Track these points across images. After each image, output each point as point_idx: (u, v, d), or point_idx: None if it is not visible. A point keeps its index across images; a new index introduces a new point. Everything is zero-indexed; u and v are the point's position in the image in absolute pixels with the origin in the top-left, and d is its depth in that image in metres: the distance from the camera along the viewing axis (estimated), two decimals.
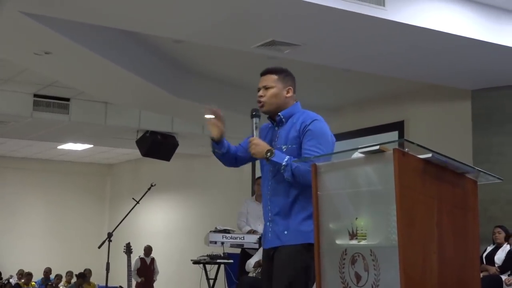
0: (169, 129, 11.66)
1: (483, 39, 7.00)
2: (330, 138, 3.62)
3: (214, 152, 3.89)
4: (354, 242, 2.95)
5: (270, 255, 3.62)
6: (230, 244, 8.42)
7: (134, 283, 12.32)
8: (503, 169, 8.51)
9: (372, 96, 10.42)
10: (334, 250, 3.03)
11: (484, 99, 8.81)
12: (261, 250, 8.17)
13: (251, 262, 8.10)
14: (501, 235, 8.17)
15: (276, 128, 3.72)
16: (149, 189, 8.04)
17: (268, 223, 3.64)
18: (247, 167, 13.16)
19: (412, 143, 2.83)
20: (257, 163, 13.34)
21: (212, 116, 3.80)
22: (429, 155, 2.81)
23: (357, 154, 3.02)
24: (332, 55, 7.64)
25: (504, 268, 7.93)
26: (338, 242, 3.03)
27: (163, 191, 14.22)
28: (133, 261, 12.21)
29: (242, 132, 12.14)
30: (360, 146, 2.95)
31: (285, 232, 3.53)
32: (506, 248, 8.03)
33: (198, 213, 14.28)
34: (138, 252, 9.57)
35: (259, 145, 3.57)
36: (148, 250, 12.73)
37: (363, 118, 10.65)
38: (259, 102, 3.72)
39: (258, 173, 11.99)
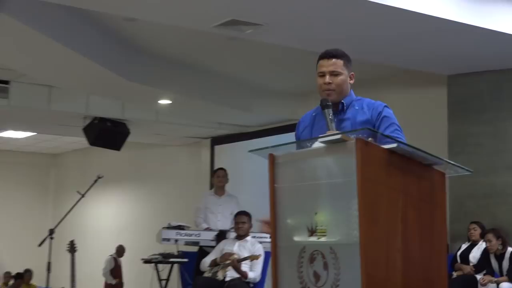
0: (119, 115, 11.59)
1: (461, 20, 7.07)
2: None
3: None
4: (313, 239, 2.98)
5: None
6: (185, 241, 8.44)
7: (103, 284, 12.30)
8: (480, 161, 8.66)
9: None
10: (292, 247, 3.06)
11: (461, 85, 8.93)
12: (218, 248, 8.26)
13: (207, 260, 8.13)
14: (476, 232, 8.30)
15: (333, 115, 3.61)
16: (95, 181, 7.99)
17: None
18: (206, 156, 13.19)
19: (376, 131, 2.87)
20: (218, 150, 13.28)
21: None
22: (394, 145, 2.85)
23: (317, 144, 3.05)
24: (299, 37, 7.66)
25: (479, 267, 8.07)
26: (296, 239, 3.06)
27: (112, 183, 14.16)
28: (103, 261, 12.20)
29: (202, 120, 12.20)
30: (320, 135, 2.98)
31: None
32: (481, 246, 8.17)
33: (151, 208, 14.26)
34: (83, 251, 9.51)
35: None
36: (121, 249, 12.69)
37: None
38: (327, 90, 3.63)
39: (217, 165, 12.02)
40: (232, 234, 8.43)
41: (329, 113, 3.49)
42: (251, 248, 8.07)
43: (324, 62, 3.67)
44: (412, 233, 2.89)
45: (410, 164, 2.94)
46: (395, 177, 2.88)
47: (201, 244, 8.64)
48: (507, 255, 7.90)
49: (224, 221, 9.02)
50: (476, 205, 8.76)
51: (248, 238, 8.21)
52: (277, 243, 3.15)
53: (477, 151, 8.75)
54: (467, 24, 7.14)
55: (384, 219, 2.82)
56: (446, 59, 8.44)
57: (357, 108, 3.61)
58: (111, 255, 12.56)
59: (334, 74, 3.63)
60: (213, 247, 8.37)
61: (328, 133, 3.35)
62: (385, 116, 3.52)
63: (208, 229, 8.74)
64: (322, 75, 3.65)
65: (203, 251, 8.58)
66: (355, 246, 2.77)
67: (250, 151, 3.32)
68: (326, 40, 7.71)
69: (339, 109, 3.63)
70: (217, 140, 13.16)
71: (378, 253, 2.79)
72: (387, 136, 3.01)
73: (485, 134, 8.78)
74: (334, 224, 2.91)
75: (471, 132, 8.77)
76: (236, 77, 10.62)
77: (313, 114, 3.76)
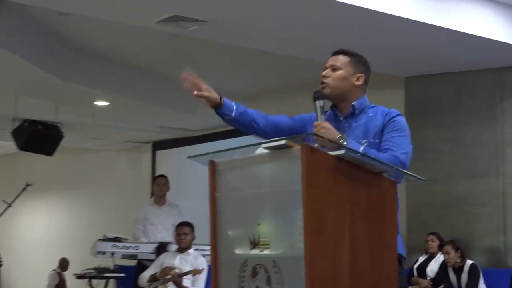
0: (52, 118, 11.48)
1: (419, 19, 7.18)
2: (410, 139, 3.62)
3: (225, 121, 3.83)
4: (255, 251, 2.99)
5: None
6: (122, 254, 8.39)
7: None
8: (438, 168, 8.80)
9: (293, 82, 10.55)
10: (233, 261, 3.07)
11: (418, 88, 9.07)
12: (158, 261, 8.22)
13: (145, 275, 8.10)
14: (434, 244, 8.42)
15: (342, 119, 3.68)
16: (23, 189, 7.92)
17: None
18: (147, 162, 13.13)
19: (322, 137, 2.90)
20: (160, 156, 13.26)
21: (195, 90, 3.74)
22: (342, 151, 2.89)
23: (261, 150, 3.07)
24: (246, 35, 7.69)
25: (437, 281, 8.20)
26: (237, 251, 3.07)
27: (44, 192, 14.01)
28: (46, 276, 12.03)
29: (143, 123, 12.14)
30: (264, 141, 3.00)
31: None
32: (439, 258, 8.29)
33: (86, 218, 14.14)
34: (11, 265, 9.39)
35: (331, 130, 3.44)
36: (64, 263, 12.55)
37: (283, 107, 10.74)
38: (322, 83, 3.69)
39: (159, 171, 11.98)
40: (173, 247, 8.41)
41: (320, 104, 3.56)
42: (194, 262, 8.05)
43: (330, 58, 3.76)
44: (360, 245, 2.92)
45: (358, 171, 2.97)
46: (343, 185, 2.91)
47: (140, 257, 8.59)
48: (466, 268, 8.03)
49: (165, 233, 9.00)
50: (434, 215, 8.89)
51: (191, 251, 8.20)
52: (218, 256, 3.15)
53: (435, 157, 8.89)
54: (426, 23, 7.25)
55: (330, 230, 2.84)
56: (404, 60, 8.56)
57: (371, 115, 3.64)
58: (54, 270, 12.42)
59: (333, 68, 3.69)
60: (152, 260, 8.33)
61: (318, 123, 3.46)
62: (395, 121, 3.57)
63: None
64: (324, 69, 3.73)
65: (142, 265, 8.54)
66: (299, 259, 2.78)
67: (189, 157, 3.33)
68: (275, 39, 7.79)
69: (349, 112, 3.66)
70: (159, 145, 13.13)
71: (324, 267, 2.81)
72: (336, 143, 3.03)
73: (443, 139, 8.93)
74: (278, 235, 2.93)
75: (428, 137, 8.91)
76: (179, 77, 10.58)
77: (327, 116, 3.72)
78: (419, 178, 3.13)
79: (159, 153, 13.15)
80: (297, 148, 2.85)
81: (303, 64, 9.19)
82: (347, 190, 2.92)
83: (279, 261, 2.89)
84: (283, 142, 2.89)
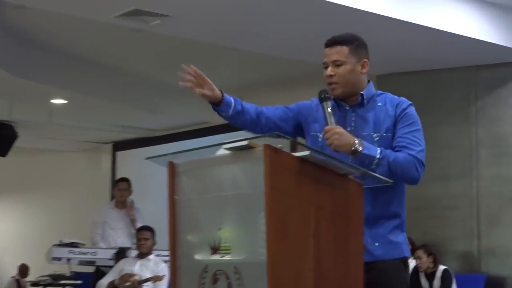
0: (5, 116, 11.40)
1: (391, 15, 7.22)
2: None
3: (224, 118, 3.70)
4: (216, 257, 2.99)
5: None
6: (79, 261, 8.34)
7: None
8: None
9: (259, 80, 10.56)
10: (192, 267, 3.07)
11: (390, 86, 9.09)
12: (116, 268, 8.19)
13: (104, 282, 8.06)
14: None
15: (349, 108, 3.58)
16: None
17: None
18: (106, 164, 13.08)
19: (286, 137, 2.90)
20: (120, 157, 13.23)
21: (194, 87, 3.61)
22: (306, 152, 2.89)
23: (222, 151, 3.07)
24: (210, 30, 7.69)
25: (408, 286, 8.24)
26: (197, 257, 3.06)
27: None
28: (3, 283, 11.91)
29: (102, 122, 12.06)
30: (225, 141, 3.00)
31: (376, 244, 3.42)
32: (411, 263, 8.33)
33: (42, 223, 14.05)
34: None
35: (344, 135, 3.33)
36: (24, 269, 12.44)
37: None
38: (330, 84, 3.54)
39: (119, 173, 11.94)
40: (133, 252, 8.38)
41: (328, 106, 3.44)
42: (155, 268, 8.03)
43: (327, 51, 3.60)
44: (325, 250, 2.93)
45: (324, 173, 2.97)
46: (307, 188, 2.91)
47: (98, 263, 8.55)
48: (438, 274, 8.10)
49: (125, 238, 8.96)
50: (406, 219, 8.93)
51: (151, 256, 8.17)
52: (177, 262, 3.15)
53: None
54: (398, 20, 7.30)
55: (294, 234, 2.85)
56: (375, 58, 8.49)
57: (380, 104, 3.57)
58: (12, 277, 12.32)
59: (336, 64, 3.54)
60: (111, 267, 8.30)
61: (329, 128, 3.34)
62: (407, 113, 3.53)
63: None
64: (325, 66, 3.59)
65: (100, 272, 8.50)
66: (262, 265, 2.78)
67: (148, 158, 3.32)
68: (241, 34, 7.79)
69: (357, 102, 3.57)
70: (119, 145, 13.08)
71: (287, 273, 2.81)
72: (301, 145, 3.04)
73: None
74: (240, 240, 2.93)
75: None
76: (141, 74, 10.57)
77: (310, 105, 3.68)
78: (386, 180, 3.15)
79: (119, 154, 13.10)
80: (260, 149, 2.85)
81: (269, 61, 9.20)
82: (312, 193, 2.93)
83: (240, 267, 2.89)
84: (245, 142, 2.89)
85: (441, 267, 8.17)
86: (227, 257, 2.95)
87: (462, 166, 8.91)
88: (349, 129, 3.48)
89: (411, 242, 8.48)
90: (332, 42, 3.59)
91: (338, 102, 3.58)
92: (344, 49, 3.55)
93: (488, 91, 8.89)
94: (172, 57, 9.61)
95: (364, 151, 3.32)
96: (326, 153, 3.05)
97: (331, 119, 3.40)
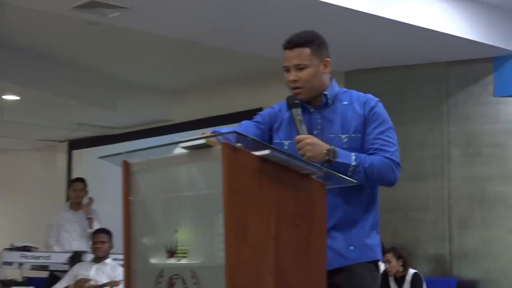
0: None
1: (359, 9, 7.24)
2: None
3: None
4: (172, 261, 2.98)
5: (328, 277, 3.28)
6: (31, 265, 8.29)
7: None
8: None
9: (224, 77, 10.57)
10: (148, 271, 3.06)
11: (359, 83, 9.15)
12: (71, 272, 8.15)
13: None
14: None
15: (313, 111, 3.56)
16: None
17: None
18: (62, 163, 13.00)
19: (246, 136, 2.90)
20: (77, 156, 13.05)
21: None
22: (267, 151, 2.90)
23: (180, 150, 3.07)
24: (172, 23, 7.67)
25: None
26: (153, 261, 3.05)
27: None
28: None
29: (58, 120, 11.97)
30: (182, 139, 2.99)
31: (351, 248, 3.45)
32: (380, 267, 8.39)
33: None
34: None
35: (317, 145, 3.33)
36: None
37: (214, 104, 10.80)
38: (295, 88, 3.52)
39: (75, 173, 11.87)
40: (89, 256, 8.34)
41: (298, 112, 3.44)
42: (111, 273, 8.00)
43: (287, 53, 3.56)
44: (286, 254, 2.94)
45: (285, 173, 2.97)
46: (268, 189, 2.91)
47: (52, 268, 8.51)
48: (408, 277, 8.15)
49: (81, 241, 8.93)
50: None
51: (108, 260, 8.14)
52: (131, 266, 3.14)
53: None
54: (367, 13, 7.32)
55: (254, 237, 2.85)
56: (343, 53, 8.63)
57: (345, 103, 3.55)
58: None
59: (299, 68, 3.52)
60: (65, 271, 8.26)
61: (301, 138, 3.34)
62: (376, 112, 3.52)
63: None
64: (286, 70, 3.56)
65: (54, 277, 8.46)
66: (220, 269, 2.78)
67: (101, 157, 3.30)
68: (202, 28, 7.78)
69: (322, 103, 3.55)
70: (75, 144, 13.01)
71: (246, 277, 2.81)
72: (262, 143, 3.03)
73: None
74: (197, 243, 2.92)
75: None
76: (99, 70, 10.53)
77: (279, 110, 3.65)
78: (350, 181, 3.17)
79: (75, 152, 13.02)
80: (218, 147, 2.85)
81: (234, 56, 9.21)
82: (273, 193, 2.93)
83: (198, 271, 2.89)
84: (202, 141, 2.89)
85: (411, 271, 8.22)
86: (183, 261, 2.94)
87: (433, 166, 8.98)
88: (315, 132, 3.48)
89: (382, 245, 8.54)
90: (293, 45, 3.55)
91: (303, 106, 3.56)
92: (306, 51, 3.53)
93: (460, 88, 8.96)
94: (132, 52, 9.60)
95: (339, 160, 3.34)
96: (287, 152, 3.06)
97: (302, 127, 3.41)
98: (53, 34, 8.99)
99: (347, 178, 3.20)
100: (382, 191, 9.12)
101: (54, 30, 8.79)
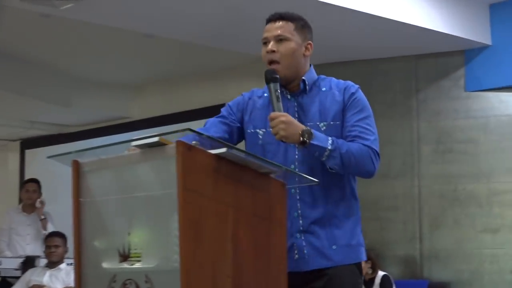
0: None
1: (325, 1, 7.24)
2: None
3: None
4: (125, 265, 2.98)
5: (308, 280, 3.35)
6: None
7: None
8: None
9: (184, 71, 10.56)
10: (100, 276, 3.05)
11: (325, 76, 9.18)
12: (23, 278, 8.10)
13: None
14: None
15: (291, 99, 3.50)
16: None
17: (298, 235, 3.38)
18: (14, 163, 12.91)
19: (200, 134, 2.91)
20: (30, 156, 12.91)
21: None
22: (223, 149, 2.90)
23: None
24: (127, 15, 7.64)
25: None
26: (105, 265, 3.05)
27: None
28: None
29: (9, 117, 11.90)
30: (135, 138, 2.99)
31: (334, 247, 3.39)
32: None
33: None
34: None
35: (292, 125, 3.27)
36: None
37: (173, 101, 10.78)
38: (271, 61, 3.44)
39: (28, 174, 11.80)
40: (43, 261, 8.30)
41: (276, 88, 3.35)
42: (66, 279, 7.97)
43: (269, 26, 3.50)
44: (244, 256, 2.94)
45: (243, 172, 2.98)
46: (225, 188, 2.92)
47: (3, 274, 8.47)
48: (377, 280, 8.19)
49: (35, 245, 8.88)
50: None
51: (62, 265, 8.11)
52: (82, 271, 3.13)
53: None
54: (331, 4, 7.32)
55: (210, 239, 2.85)
56: None
57: (324, 89, 3.51)
58: None
59: (280, 39, 3.45)
60: (18, 277, 8.22)
61: (274, 115, 3.27)
62: (356, 98, 3.47)
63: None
64: (266, 41, 3.48)
65: (6, 283, 8.42)
66: (175, 273, 2.78)
67: (49, 157, 3.29)
68: (163, 22, 7.78)
69: (300, 89, 3.49)
70: (28, 143, 12.93)
71: (203, 281, 2.82)
72: (218, 141, 3.03)
73: None
74: (151, 246, 2.92)
75: None
76: (52, 65, 10.47)
77: (264, 95, 3.58)
78: (311, 180, 3.17)
79: (28, 152, 12.95)
80: (172, 146, 2.85)
81: (194, 50, 9.20)
82: (230, 194, 2.93)
83: (152, 275, 2.89)
84: (155, 139, 2.89)
85: (380, 273, 8.26)
86: (137, 265, 2.94)
87: (402, 163, 9.03)
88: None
89: None
90: (277, 17, 3.51)
91: (281, 90, 3.48)
92: (290, 25, 3.49)
93: (430, 83, 9.02)
94: (86, 46, 9.56)
95: (314, 142, 3.27)
96: (246, 151, 3.06)
97: (279, 104, 3.33)
98: (2, 27, 8.92)
99: (308, 177, 3.19)
100: None
101: (3, 22, 8.72)
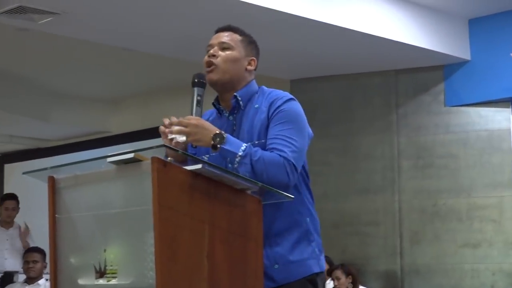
0: None
1: (303, 15, 7.26)
2: (307, 130, 3.45)
3: None
4: (101, 281, 2.99)
5: None
6: None
7: None
8: (327, 182, 8.98)
9: (162, 85, 10.56)
10: None
11: (304, 92, 9.22)
12: None
13: None
14: None
15: (229, 117, 3.48)
16: None
17: None
18: None
19: (176, 150, 2.92)
20: (8, 171, 12.83)
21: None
22: (199, 166, 2.92)
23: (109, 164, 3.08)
24: (105, 30, 7.65)
25: None
26: (81, 282, 3.06)
27: None
28: None
29: None
30: (111, 154, 3.00)
31: (276, 266, 3.31)
32: (328, 285, 8.43)
33: None
34: None
35: (204, 129, 3.22)
36: None
37: (151, 115, 10.77)
38: (210, 64, 3.45)
39: (7, 189, 11.76)
40: (22, 277, 8.29)
41: (199, 92, 3.36)
42: None
43: (216, 35, 3.55)
44: (221, 273, 2.95)
45: (218, 189, 2.99)
46: (200, 205, 2.93)
47: None
48: None
49: (14, 260, 8.86)
50: (323, 236, 9.01)
51: (41, 281, 8.10)
52: (59, 287, 3.14)
53: (323, 171, 9.05)
54: (311, 19, 7.35)
55: (186, 256, 2.86)
56: (288, 61, 8.69)
57: (256, 106, 3.45)
58: None
59: (223, 47, 3.48)
60: None
61: (187, 118, 3.24)
62: (281, 111, 3.38)
63: None
64: (209, 49, 3.51)
65: None
66: None
67: (25, 173, 3.30)
68: (137, 35, 7.78)
69: (232, 106, 3.47)
70: (7, 158, 12.90)
71: None
72: (192, 157, 3.05)
73: (333, 150, 9.11)
74: (127, 262, 2.93)
75: (316, 148, 9.04)
76: (31, 79, 10.45)
77: (209, 118, 3.54)
78: (287, 196, 3.18)
79: (7, 166, 12.92)
80: (147, 162, 2.87)
81: (172, 64, 9.21)
82: (205, 210, 2.95)
83: None
84: (131, 155, 2.90)
85: None
86: (113, 281, 2.95)
87: (382, 178, 9.06)
88: None
89: (329, 261, 8.58)
90: (226, 28, 3.56)
91: (218, 108, 3.52)
92: (236, 36, 3.53)
93: (410, 97, 9.06)
94: (65, 60, 9.56)
95: (225, 146, 3.21)
96: (222, 167, 3.06)
97: (198, 109, 3.33)
98: None
99: (283, 193, 3.18)
100: (330, 205, 9.19)
101: None
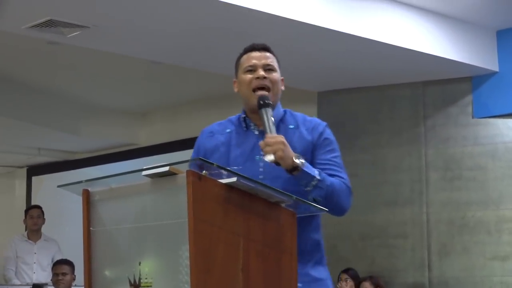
0: None
1: (331, 27, 7.24)
2: None
3: None
4: None
5: None
6: None
7: None
8: (355, 195, 8.88)
9: (190, 98, 10.58)
10: None
11: (332, 104, 9.22)
12: None
13: None
14: (348, 284, 8.50)
15: (258, 133, 3.50)
16: None
17: None
18: (21, 190, 12.93)
19: (211, 163, 2.92)
20: (36, 183, 12.92)
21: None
22: (234, 179, 2.92)
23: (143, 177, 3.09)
24: (135, 43, 7.68)
25: None
26: None
27: None
28: None
29: (16, 144, 11.90)
30: (146, 167, 3.01)
31: (299, 285, 3.22)
32: None
33: None
34: None
35: (288, 147, 3.25)
36: None
37: (180, 127, 10.80)
38: (263, 88, 3.45)
39: (35, 200, 11.82)
40: None
41: (269, 113, 3.35)
42: None
43: (255, 54, 3.53)
44: (255, 286, 2.95)
45: (253, 202, 2.99)
46: (235, 218, 2.93)
47: None
48: None
49: (42, 273, 8.89)
50: (351, 248, 9.03)
51: None
52: None
53: (352, 184, 8.98)
54: (340, 32, 7.34)
55: (221, 268, 2.87)
56: (315, 73, 8.68)
57: (291, 127, 3.52)
58: None
59: (268, 68, 3.49)
60: None
61: (272, 137, 3.26)
62: (328, 138, 3.50)
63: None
64: (252, 69, 3.50)
65: None
66: None
67: (60, 186, 3.32)
68: (166, 48, 7.81)
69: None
70: (35, 170, 12.95)
71: None
72: (228, 171, 3.04)
73: (361, 162, 9.08)
74: (162, 275, 2.94)
75: (344, 160, 9.01)
76: (60, 92, 10.51)
77: (228, 130, 3.60)
78: (322, 209, 3.18)
79: (35, 179, 12.96)
80: (182, 175, 2.87)
81: (200, 77, 9.24)
82: (240, 223, 2.95)
83: None
84: (166, 168, 2.90)
85: None
86: None
87: (410, 190, 9.02)
88: (257, 157, 3.43)
89: (355, 276, 8.55)
90: (261, 47, 3.57)
91: (247, 125, 3.54)
92: (273, 57, 3.56)
93: (438, 109, 9.02)
94: (94, 73, 9.61)
95: (305, 169, 3.27)
96: (256, 180, 3.07)
97: (273, 127, 3.33)
98: (10, 54, 8.97)
99: (318, 206, 3.19)
100: (358, 218, 9.14)
101: (11, 49, 8.76)
